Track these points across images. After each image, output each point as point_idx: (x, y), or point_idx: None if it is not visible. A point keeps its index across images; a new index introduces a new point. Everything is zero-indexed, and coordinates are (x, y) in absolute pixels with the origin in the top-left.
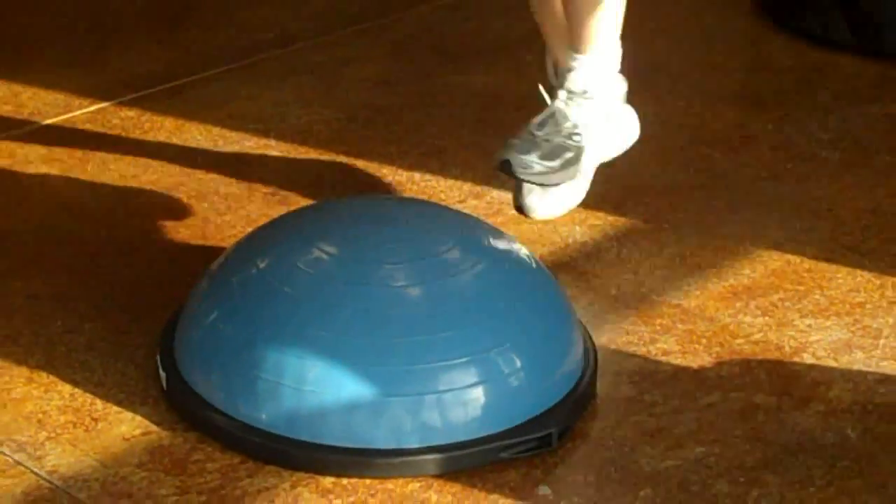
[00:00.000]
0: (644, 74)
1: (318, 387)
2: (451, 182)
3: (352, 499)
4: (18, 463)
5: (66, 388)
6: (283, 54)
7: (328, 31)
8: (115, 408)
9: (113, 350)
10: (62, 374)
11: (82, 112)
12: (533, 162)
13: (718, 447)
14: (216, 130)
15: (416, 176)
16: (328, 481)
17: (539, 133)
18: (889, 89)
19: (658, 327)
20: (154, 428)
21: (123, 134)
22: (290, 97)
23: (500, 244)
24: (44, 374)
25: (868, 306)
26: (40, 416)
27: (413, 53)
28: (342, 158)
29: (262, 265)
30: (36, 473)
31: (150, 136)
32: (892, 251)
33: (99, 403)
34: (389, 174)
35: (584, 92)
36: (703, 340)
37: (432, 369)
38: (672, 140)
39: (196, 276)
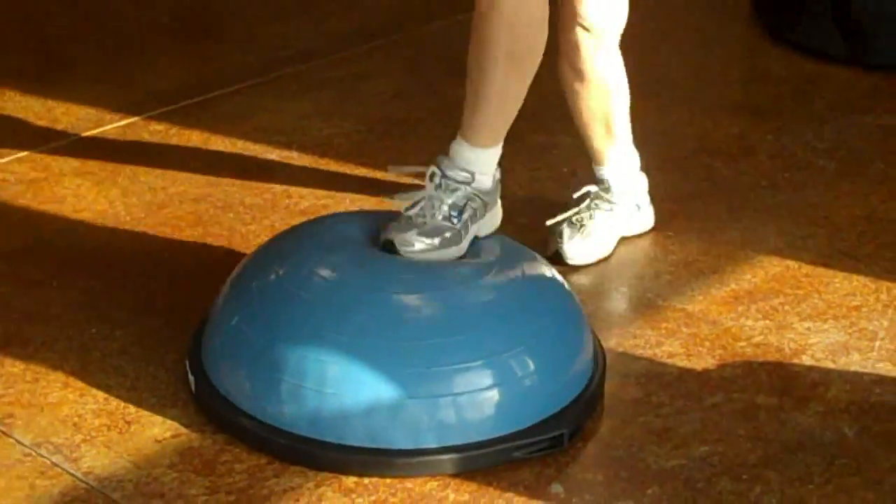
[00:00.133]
0: (648, 86)
1: (339, 389)
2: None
3: (373, 498)
4: (56, 465)
5: (101, 393)
6: (303, 70)
7: (346, 48)
8: (147, 411)
9: (145, 355)
10: (96, 379)
11: (113, 126)
12: (413, 238)
13: (722, 446)
14: (240, 143)
15: None
16: (351, 481)
17: (414, 214)
18: (881, 100)
19: (663, 331)
20: (184, 430)
21: (152, 147)
22: (311, 110)
23: (513, 252)
24: (79, 379)
25: (864, 309)
26: (76, 419)
27: (426, 68)
28: (360, 168)
29: (280, 272)
30: (72, 474)
31: (177, 149)
32: (886, 256)
33: (132, 407)
34: (406, 183)
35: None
36: (707, 343)
37: (449, 372)
38: (675, 150)
39: (223, 283)
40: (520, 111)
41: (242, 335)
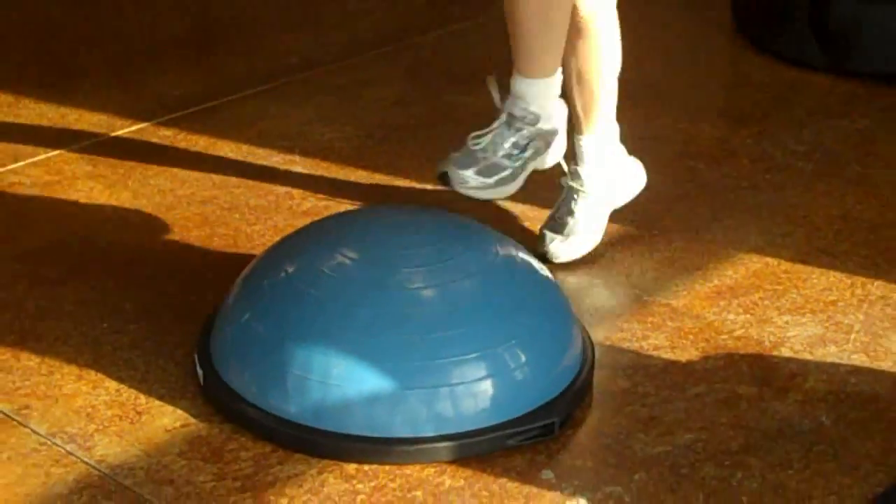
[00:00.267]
0: (636, 93)
1: (342, 381)
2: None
3: (373, 483)
4: (70, 453)
5: (113, 385)
6: (307, 77)
7: (348, 56)
8: (157, 402)
9: (155, 349)
10: (109, 372)
11: (124, 131)
12: (469, 177)
13: (705, 434)
14: (246, 147)
15: (429, 188)
16: (351, 468)
17: (476, 148)
18: (857, 105)
19: (649, 325)
20: (193, 420)
21: (162, 151)
22: (314, 116)
23: (507, 250)
24: (92, 372)
25: (840, 304)
26: (89, 410)
27: (426, 76)
28: (361, 172)
29: (290, 270)
30: (86, 462)
31: (186, 153)
32: (861, 253)
33: (142, 398)
34: (404, 186)
35: (526, 118)
36: (691, 336)
37: (446, 364)
38: (661, 154)
39: (229, 281)
40: None
41: (253, 330)
